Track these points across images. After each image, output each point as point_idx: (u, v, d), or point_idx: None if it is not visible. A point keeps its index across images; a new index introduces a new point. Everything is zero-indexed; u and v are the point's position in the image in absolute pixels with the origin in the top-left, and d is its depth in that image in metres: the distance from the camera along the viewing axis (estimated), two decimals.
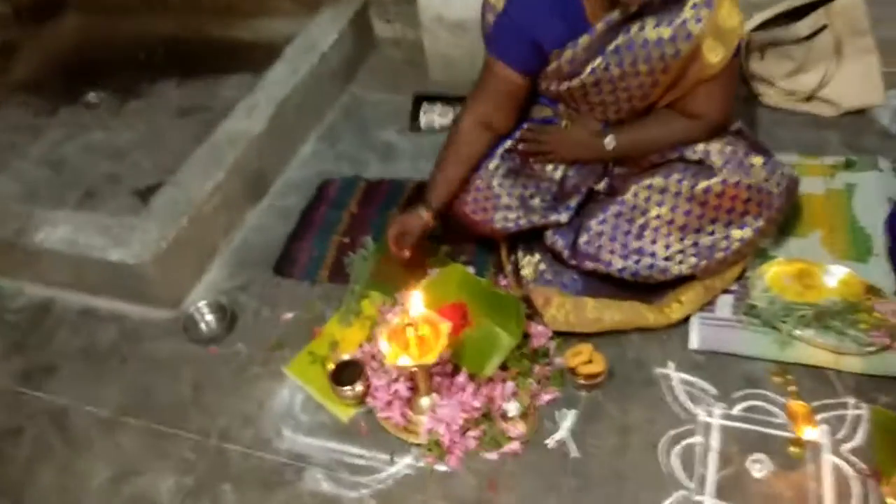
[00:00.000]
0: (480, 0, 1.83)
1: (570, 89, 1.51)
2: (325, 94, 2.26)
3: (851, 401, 1.36)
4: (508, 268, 1.64)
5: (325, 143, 2.17)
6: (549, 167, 1.62)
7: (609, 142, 1.54)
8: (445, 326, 1.31)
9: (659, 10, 1.37)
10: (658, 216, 1.49)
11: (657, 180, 1.49)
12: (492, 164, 1.59)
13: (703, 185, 1.45)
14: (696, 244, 1.48)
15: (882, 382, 1.38)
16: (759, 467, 1.29)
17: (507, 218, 1.58)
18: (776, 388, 1.40)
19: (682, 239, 1.49)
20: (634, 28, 1.41)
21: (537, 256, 1.59)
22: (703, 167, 1.47)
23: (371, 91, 2.34)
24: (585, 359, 1.42)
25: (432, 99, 2.17)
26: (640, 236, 1.49)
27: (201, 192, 1.78)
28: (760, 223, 1.48)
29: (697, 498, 1.26)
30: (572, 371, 1.43)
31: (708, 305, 1.54)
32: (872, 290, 1.50)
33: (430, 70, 2.19)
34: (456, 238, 1.76)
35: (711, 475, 1.29)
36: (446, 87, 2.20)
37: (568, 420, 1.40)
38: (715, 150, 1.48)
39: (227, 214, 1.87)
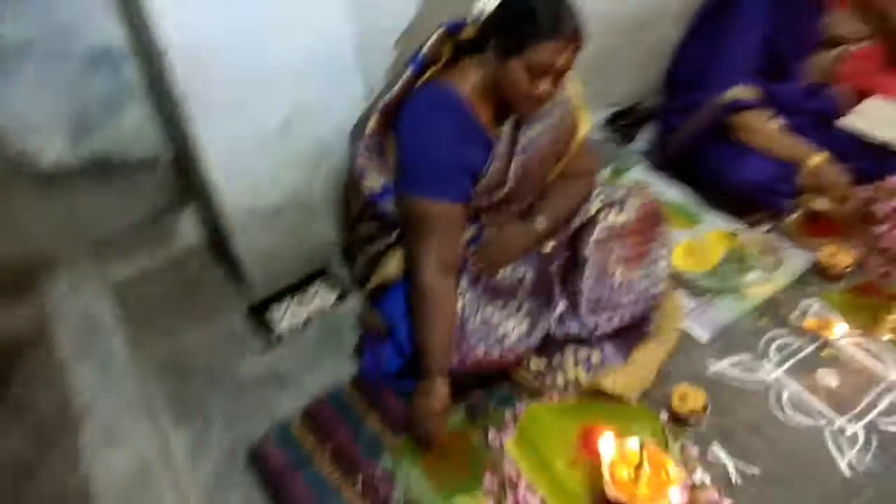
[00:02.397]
0: (293, 175, 1.71)
1: (499, 198, 1.56)
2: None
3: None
4: (556, 381, 1.57)
5: (192, 427, 1.62)
6: (506, 272, 1.63)
7: (539, 224, 1.63)
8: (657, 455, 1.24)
9: None
10: (618, 258, 1.65)
11: (600, 231, 1.64)
12: (469, 300, 1.52)
13: (633, 215, 1.67)
14: (656, 261, 1.70)
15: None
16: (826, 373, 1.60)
17: (523, 337, 1.53)
18: (780, 326, 1.73)
19: (642, 267, 1.68)
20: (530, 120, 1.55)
21: (572, 350, 1.58)
22: (615, 203, 1.68)
23: (171, 338, 1.84)
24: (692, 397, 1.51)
25: (271, 301, 1.86)
26: (622, 281, 1.63)
27: None
28: (667, 225, 1.79)
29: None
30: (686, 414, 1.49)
31: None
32: (731, 233, 1.97)
33: (249, 271, 1.86)
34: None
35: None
36: (269, 284, 1.91)
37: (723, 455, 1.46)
38: (612, 187, 1.72)
39: None
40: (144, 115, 1.77)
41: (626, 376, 1.56)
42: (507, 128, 1.54)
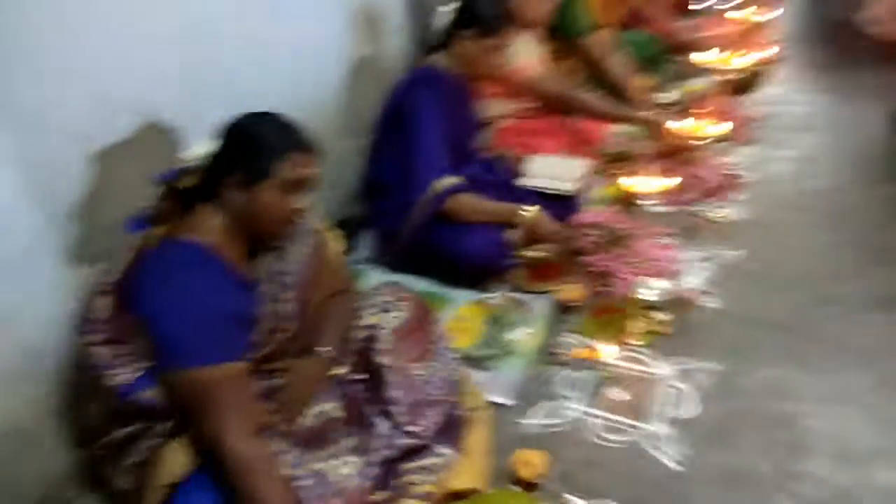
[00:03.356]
0: None
1: (285, 338, 1.44)
2: None
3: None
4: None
5: None
6: (310, 414, 1.48)
7: (325, 352, 1.54)
8: None
9: None
10: (412, 358, 1.61)
11: (386, 338, 1.59)
12: (291, 459, 1.34)
13: (407, 314, 1.65)
14: (444, 349, 1.70)
15: None
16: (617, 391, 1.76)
17: (361, 475, 1.38)
18: (560, 366, 1.86)
19: (435, 359, 1.67)
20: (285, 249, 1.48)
21: (409, 464, 1.45)
22: (387, 308, 1.65)
23: None
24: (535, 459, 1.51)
25: None
26: (425, 378, 1.59)
27: None
28: (434, 313, 1.82)
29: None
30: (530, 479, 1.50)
31: None
32: (480, 302, 2.08)
33: None
34: None
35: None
36: None
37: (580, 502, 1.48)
38: (374, 294, 1.69)
39: None
40: None
41: (470, 468, 1.51)
42: (264, 264, 1.45)
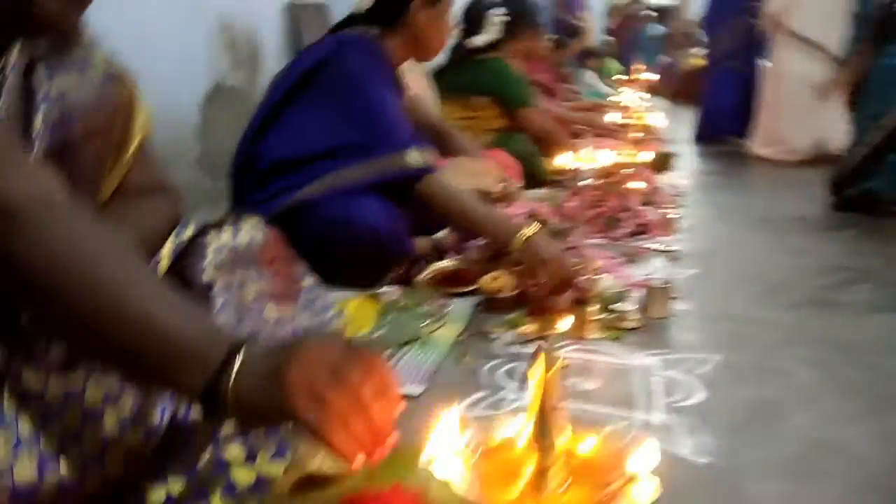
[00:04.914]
0: None
1: None
2: None
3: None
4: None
5: None
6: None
7: None
8: None
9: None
10: (260, 291, 0.98)
11: (217, 253, 0.93)
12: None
13: (261, 238, 1.03)
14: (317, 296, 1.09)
15: None
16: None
17: None
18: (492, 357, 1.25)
19: (295, 308, 1.05)
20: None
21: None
22: (224, 223, 1.03)
23: None
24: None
25: None
26: (278, 318, 0.96)
27: None
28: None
29: None
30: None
31: None
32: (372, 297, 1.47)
33: None
34: None
35: None
36: None
37: None
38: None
39: None
40: None
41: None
42: (13, 60, 0.82)
